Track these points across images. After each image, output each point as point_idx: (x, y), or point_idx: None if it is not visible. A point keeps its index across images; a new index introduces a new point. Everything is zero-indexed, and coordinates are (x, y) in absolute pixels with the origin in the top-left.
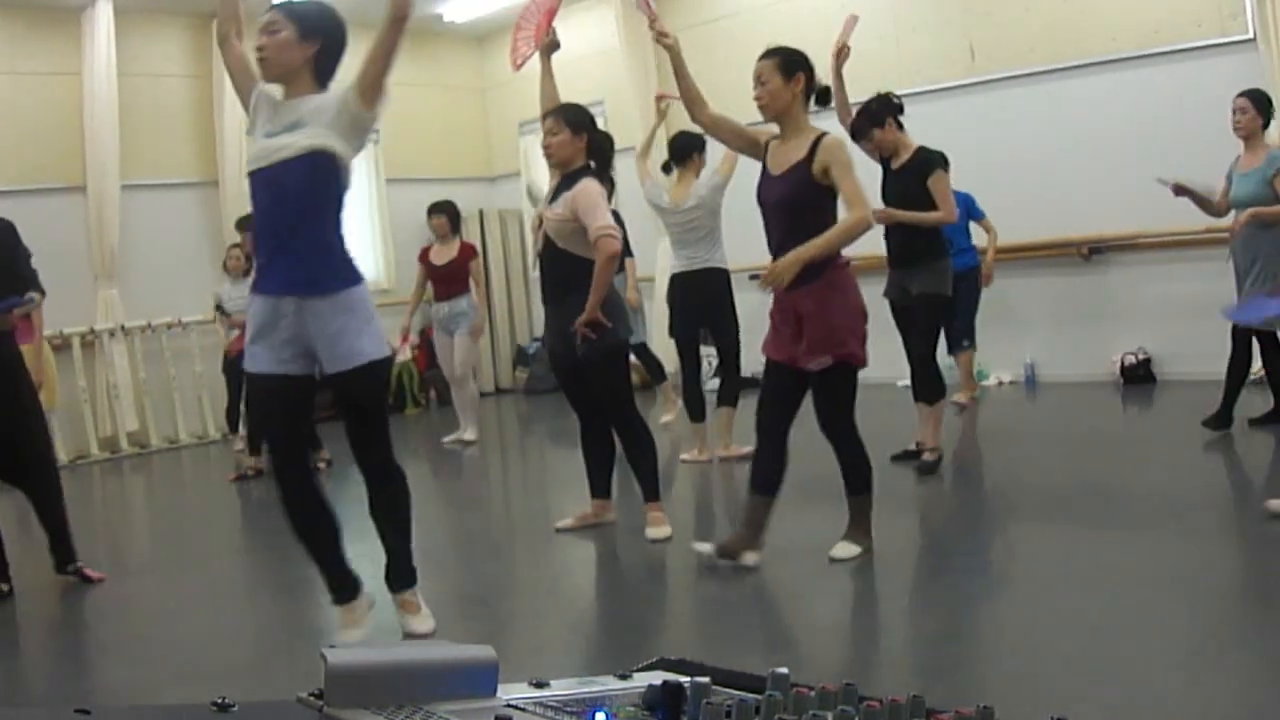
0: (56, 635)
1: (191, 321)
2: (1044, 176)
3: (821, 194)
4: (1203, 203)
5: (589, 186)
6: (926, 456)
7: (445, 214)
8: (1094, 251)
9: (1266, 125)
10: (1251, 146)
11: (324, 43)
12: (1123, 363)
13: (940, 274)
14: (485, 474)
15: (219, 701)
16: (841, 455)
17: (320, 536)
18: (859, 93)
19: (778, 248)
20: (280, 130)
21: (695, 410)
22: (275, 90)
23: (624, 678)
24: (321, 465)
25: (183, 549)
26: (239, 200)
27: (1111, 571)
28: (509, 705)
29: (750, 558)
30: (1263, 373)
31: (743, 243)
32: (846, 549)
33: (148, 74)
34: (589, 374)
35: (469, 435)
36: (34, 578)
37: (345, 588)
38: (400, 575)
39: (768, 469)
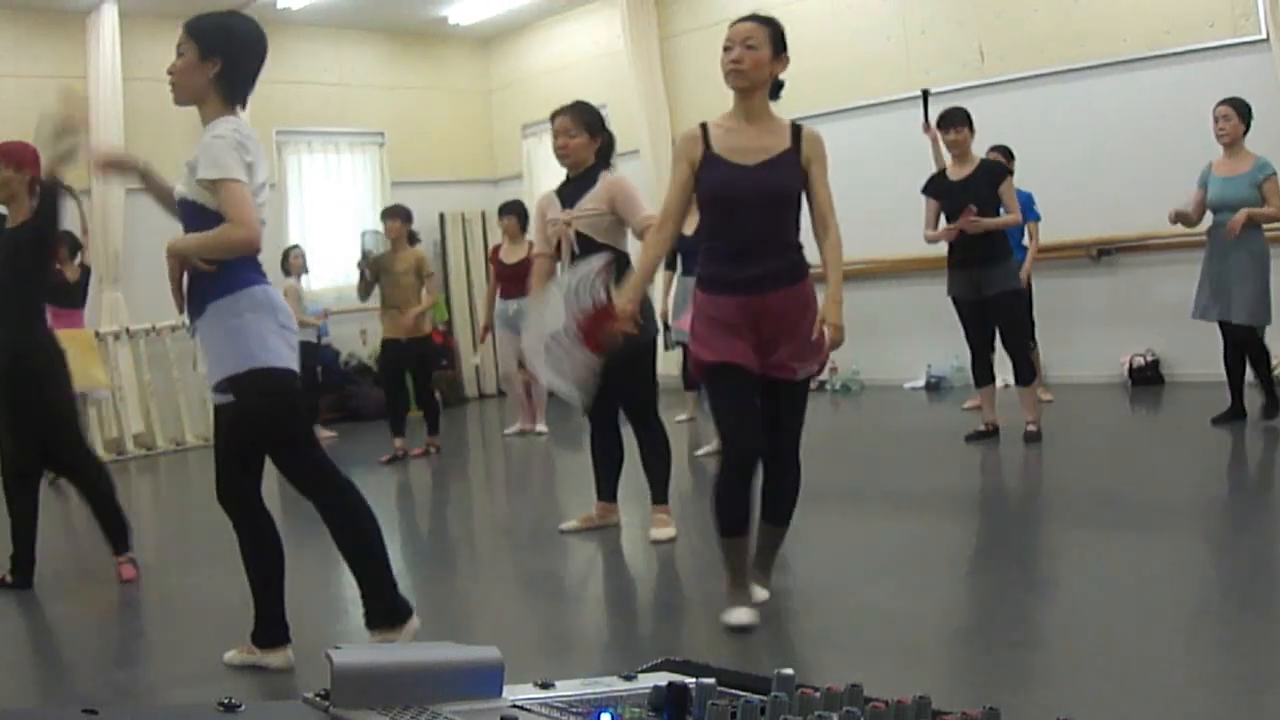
0: (64, 635)
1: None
2: (1054, 177)
3: (802, 187)
4: (1184, 217)
5: (624, 179)
6: (1030, 429)
7: (515, 215)
8: (1103, 253)
9: (1246, 132)
10: (1233, 152)
11: (225, 60)
12: (1131, 364)
13: (1011, 270)
14: (488, 475)
15: (225, 701)
16: (786, 478)
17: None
18: (869, 95)
19: (755, 248)
20: (186, 164)
21: None
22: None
23: (629, 679)
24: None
25: (188, 550)
26: None
27: (1119, 572)
28: (514, 706)
29: (759, 594)
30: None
31: None
32: (758, 593)
33: (152, 78)
34: (617, 371)
35: (541, 427)
36: (40, 578)
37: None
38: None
39: (742, 506)
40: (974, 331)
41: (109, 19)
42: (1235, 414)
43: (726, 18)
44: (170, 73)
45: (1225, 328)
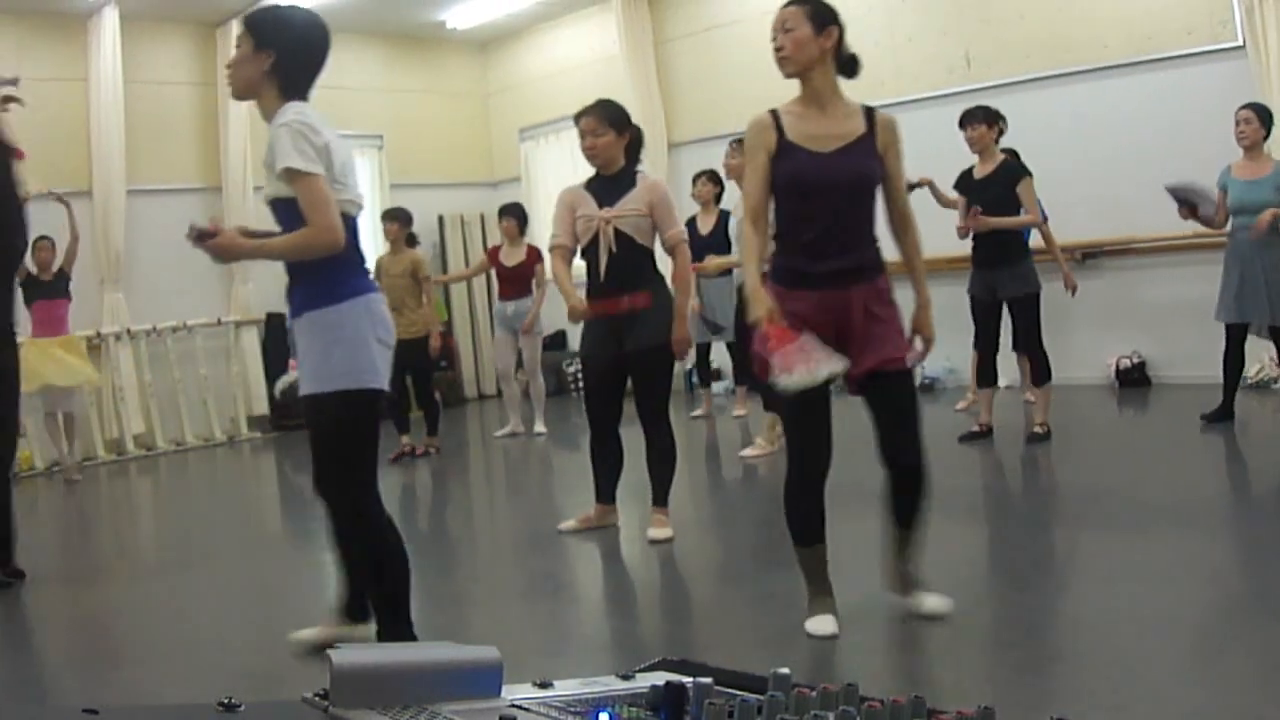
0: (64, 635)
1: (196, 324)
2: (1039, 182)
3: (879, 176)
4: (1205, 218)
5: (663, 185)
6: (1038, 430)
7: (514, 217)
8: (1088, 256)
9: (1267, 136)
10: (1253, 156)
11: (279, 52)
12: (1118, 366)
13: (1028, 273)
14: (488, 475)
15: (225, 701)
16: (918, 485)
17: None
18: (861, 100)
19: (836, 239)
20: (265, 163)
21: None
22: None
23: (627, 678)
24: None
25: (189, 550)
26: (242, 206)
27: (1112, 571)
28: (513, 705)
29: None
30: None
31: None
32: (939, 601)
33: (153, 81)
34: (638, 370)
35: (539, 428)
36: (41, 577)
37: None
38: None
39: (815, 517)
40: (984, 332)
41: (110, 22)
42: (1225, 414)
43: (720, 23)
44: (227, 66)
45: (1231, 329)
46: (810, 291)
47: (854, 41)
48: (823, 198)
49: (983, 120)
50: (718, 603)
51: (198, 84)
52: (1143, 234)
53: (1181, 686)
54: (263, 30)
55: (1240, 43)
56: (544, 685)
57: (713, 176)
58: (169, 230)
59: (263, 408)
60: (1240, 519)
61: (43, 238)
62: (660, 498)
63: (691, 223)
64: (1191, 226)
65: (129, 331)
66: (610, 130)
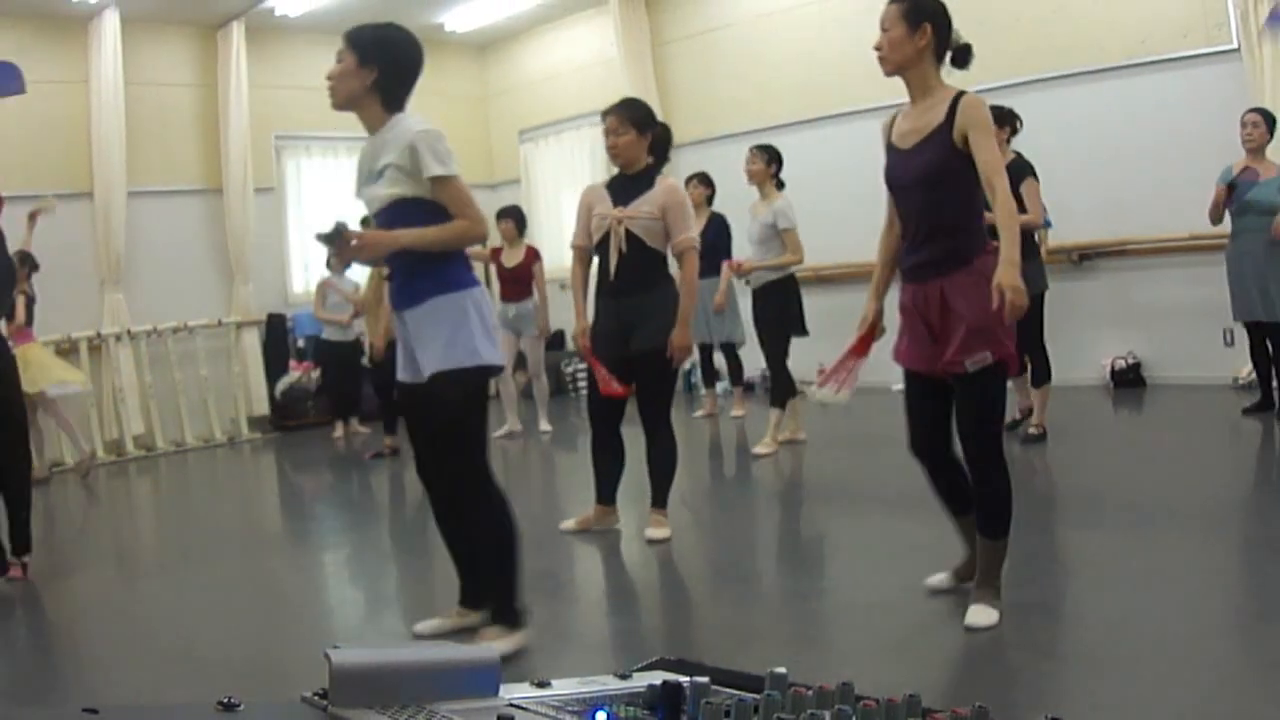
0: (65, 634)
1: (197, 325)
2: None
3: (964, 163)
4: (1215, 211)
5: (680, 189)
6: (1033, 431)
7: (511, 219)
8: (1084, 257)
9: (1270, 139)
10: (1257, 159)
11: (383, 68)
12: (1113, 366)
13: (1033, 272)
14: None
15: (225, 701)
16: (983, 485)
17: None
18: (854, 103)
19: (918, 233)
20: (369, 180)
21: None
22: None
23: (624, 678)
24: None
25: (189, 550)
26: (243, 207)
27: (1108, 571)
28: (511, 705)
29: None
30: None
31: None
32: (986, 614)
33: (154, 83)
34: (641, 371)
35: (544, 425)
36: (41, 577)
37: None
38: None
39: (945, 492)
40: None
41: (110, 24)
42: (1265, 405)
43: (717, 25)
44: (329, 78)
45: (1254, 326)
46: (907, 285)
47: (853, 41)
48: (903, 194)
49: (995, 120)
50: (715, 602)
51: (198, 86)
52: (1138, 235)
53: (1178, 686)
54: (367, 47)
55: (1235, 45)
56: (542, 684)
57: (704, 179)
58: (170, 232)
59: (263, 408)
60: (1238, 519)
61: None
62: (659, 499)
63: None
64: (1187, 228)
65: (129, 332)
66: (631, 130)
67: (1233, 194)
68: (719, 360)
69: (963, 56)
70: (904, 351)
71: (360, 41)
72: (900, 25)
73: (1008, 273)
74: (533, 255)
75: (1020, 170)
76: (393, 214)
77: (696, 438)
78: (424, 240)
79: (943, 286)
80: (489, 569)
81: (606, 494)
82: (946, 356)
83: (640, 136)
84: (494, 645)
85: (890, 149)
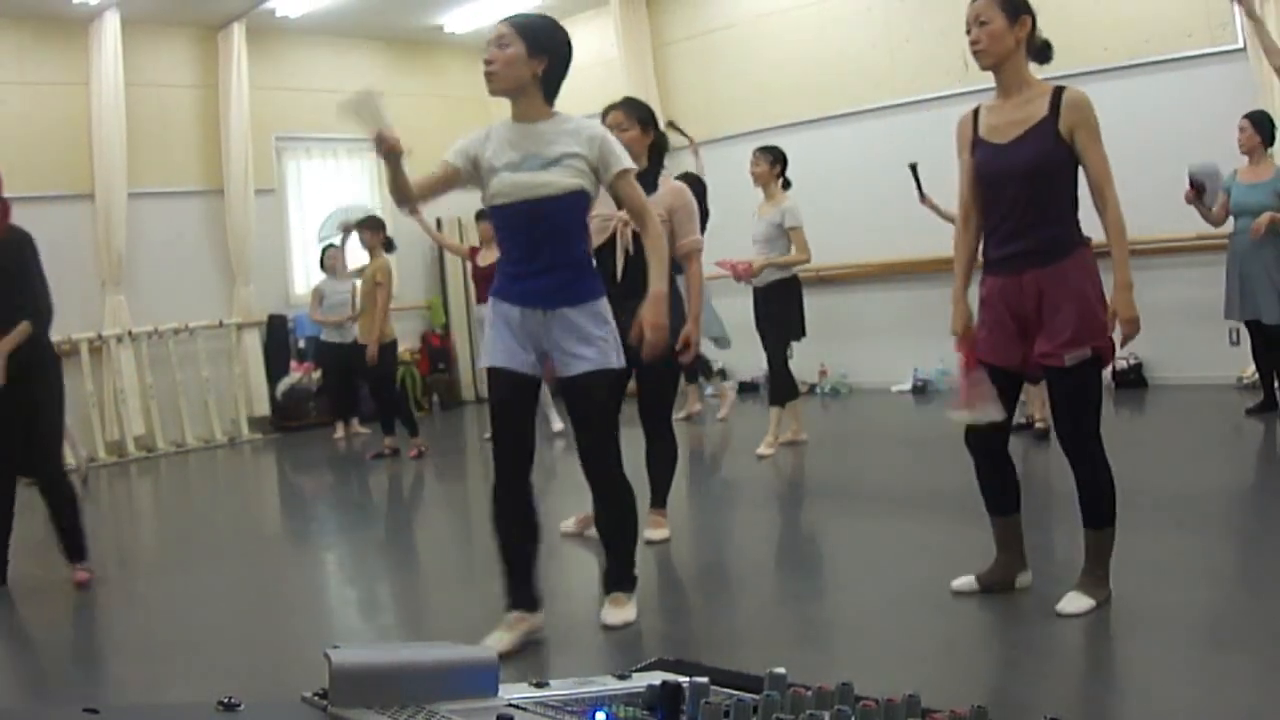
0: (65, 635)
1: (198, 326)
2: None
3: (1069, 157)
4: (1204, 213)
5: (687, 191)
6: (1038, 426)
7: (489, 220)
8: None
9: (1271, 142)
10: (1254, 161)
11: (551, 59)
12: (1114, 367)
13: None
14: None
15: (225, 701)
16: (1081, 475)
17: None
18: (854, 103)
19: (1012, 226)
20: (530, 166)
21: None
22: (502, 124)
23: (623, 678)
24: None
25: (189, 550)
26: (244, 209)
27: (1111, 571)
28: (510, 705)
29: (1024, 579)
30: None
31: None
32: (1078, 601)
33: (154, 84)
34: (644, 373)
35: (555, 425)
36: (42, 577)
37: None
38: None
39: (997, 488)
40: None
41: (111, 26)
42: (1268, 405)
43: (719, 26)
44: (490, 61)
45: (1254, 326)
46: (992, 277)
47: (852, 42)
48: (998, 186)
49: None
50: (714, 603)
51: (199, 87)
52: (1141, 236)
53: (1179, 686)
54: (539, 35)
55: (1240, 45)
56: (541, 685)
57: (686, 179)
58: (170, 233)
59: (264, 409)
60: (1240, 519)
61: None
62: (658, 499)
63: None
64: (1194, 229)
65: (130, 333)
66: (636, 125)
67: (1203, 196)
68: (711, 355)
69: (1044, 52)
70: (983, 343)
71: (531, 30)
72: (1000, 16)
73: (1122, 300)
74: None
75: None
76: (564, 204)
77: (692, 437)
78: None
79: (1039, 278)
80: (619, 542)
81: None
82: (1043, 349)
83: (643, 134)
84: (626, 611)
85: (981, 144)
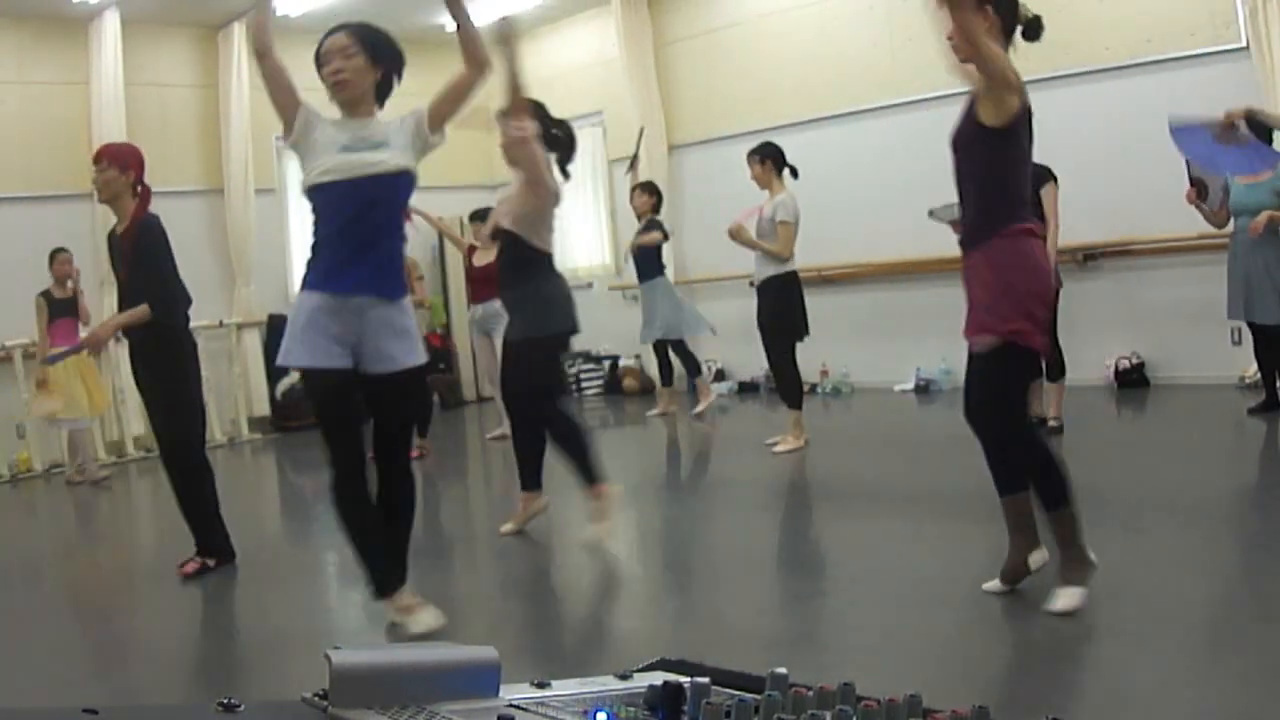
0: (64, 634)
1: (197, 326)
2: None
3: (982, 135)
4: (1206, 213)
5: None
6: (1052, 424)
7: (485, 220)
8: (1089, 257)
9: (1269, 141)
10: None
11: (388, 68)
12: (1116, 367)
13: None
14: (484, 476)
15: (225, 702)
16: (1014, 456)
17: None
18: (856, 102)
19: (964, 205)
20: (363, 147)
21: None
22: (323, 109)
23: (625, 678)
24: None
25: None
26: (244, 208)
27: (1109, 571)
28: (511, 705)
29: (1037, 557)
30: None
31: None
32: (1066, 596)
33: (155, 84)
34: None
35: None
36: (42, 578)
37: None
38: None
39: (1001, 468)
40: None
41: (111, 25)
42: (1270, 405)
43: (720, 25)
44: (339, 70)
45: (1254, 326)
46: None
47: (852, 41)
48: (954, 161)
49: None
50: (716, 602)
51: (199, 87)
52: (1143, 236)
53: (1180, 686)
54: (379, 47)
55: (1244, 44)
56: (542, 685)
57: (650, 188)
58: (170, 232)
59: (264, 409)
60: (1240, 518)
61: (61, 249)
62: (587, 477)
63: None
64: (1196, 228)
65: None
66: (363, 53)
67: (1205, 196)
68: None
69: (1034, 29)
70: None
71: (371, 41)
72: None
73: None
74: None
75: (1043, 175)
76: (396, 182)
77: (695, 435)
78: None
79: (969, 261)
80: (407, 533)
81: (533, 481)
82: (964, 330)
83: (373, 67)
84: (424, 615)
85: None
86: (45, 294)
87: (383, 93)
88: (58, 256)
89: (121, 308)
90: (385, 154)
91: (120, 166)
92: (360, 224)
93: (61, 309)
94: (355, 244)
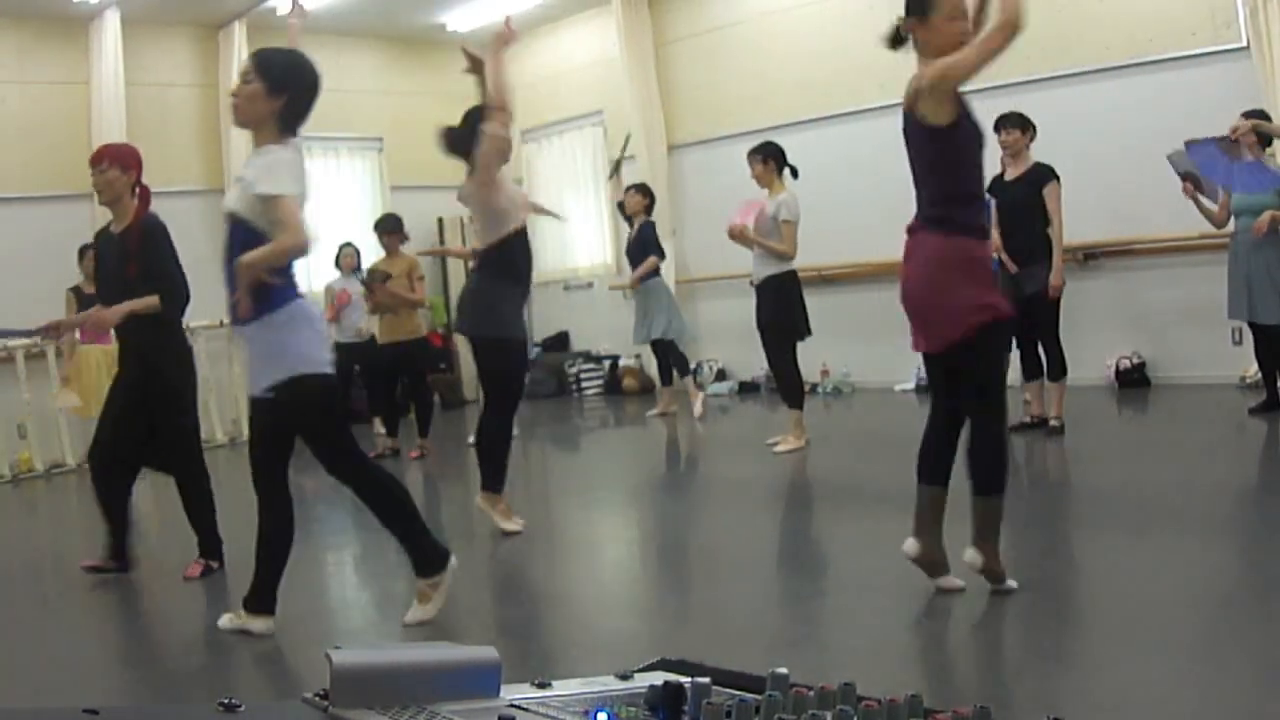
0: (65, 635)
1: (198, 326)
2: None
3: (925, 138)
4: (1206, 211)
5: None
6: (1053, 424)
7: None
8: (1090, 257)
9: (1269, 141)
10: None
11: (290, 96)
12: (1117, 366)
13: (1040, 274)
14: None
15: (226, 702)
16: (974, 444)
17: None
18: (858, 101)
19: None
20: (241, 179)
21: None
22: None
23: (625, 678)
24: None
25: (189, 550)
26: None
27: (1110, 570)
28: (512, 705)
29: (946, 581)
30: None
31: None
32: (974, 557)
33: (155, 83)
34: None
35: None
36: (42, 578)
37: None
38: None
39: (933, 456)
40: (1018, 328)
41: (112, 26)
42: (1271, 404)
43: (720, 24)
44: (234, 95)
45: (1255, 326)
46: None
47: (853, 41)
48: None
49: (1017, 125)
50: (716, 603)
51: (199, 86)
52: (1144, 235)
53: (1181, 686)
54: (277, 74)
55: (1244, 44)
56: (543, 685)
57: (643, 189)
58: (171, 232)
59: None
60: (1240, 518)
61: (91, 245)
62: (490, 483)
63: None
64: (1197, 228)
65: None
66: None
67: (1200, 188)
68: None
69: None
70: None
71: (271, 68)
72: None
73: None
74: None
75: (1045, 175)
76: (236, 224)
77: (690, 437)
78: (256, 259)
79: (909, 248)
80: (398, 530)
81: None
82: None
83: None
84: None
85: None
86: (75, 289)
87: (289, 121)
88: (87, 253)
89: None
90: (232, 192)
91: (122, 167)
92: (226, 255)
93: (91, 304)
94: (227, 275)
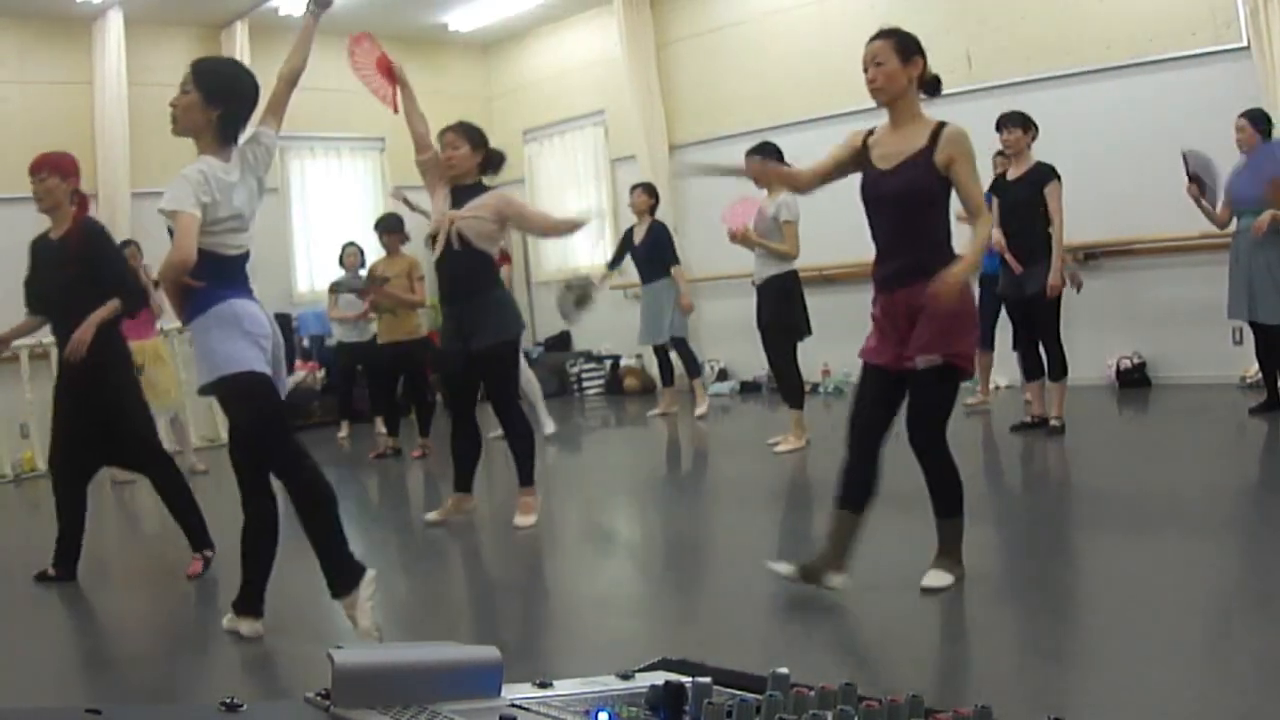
0: (67, 636)
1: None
2: None
3: (941, 188)
4: (1207, 211)
5: (513, 194)
6: (1054, 424)
7: None
8: (1090, 256)
9: (1268, 138)
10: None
11: (227, 107)
12: (1118, 366)
13: (1039, 274)
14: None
15: (228, 701)
16: (930, 472)
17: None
18: (859, 101)
19: (888, 247)
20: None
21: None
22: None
23: (626, 678)
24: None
25: (189, 551)
26: None
27: (1110, 571)
28: (513, 705)
29: (836, 580)
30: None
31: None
32: (938, 578)
33: (158, 83)
34: (482, 366)
35: (548, 428)
36: (43, 577)
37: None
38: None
39: (857, 483)
40: (1019, 328)
41: (114, 25)
42: (1272, 404)
43: (722, 24)
44: (173, 105)
45: (1256, 326)
46: (878, 294)
47: (854, 41)
48: (877, 209)
49: (1019, 125)
50: (717, 603)
51: None
52: (1145, 235)
53: (1181, 687)
54: (213, 85)
55: (1245, 43)
56: (544, 685)
57: (648, 188)
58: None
59: None
60: (1240, 518)
61: (128, 243)
62: (525, 478)
63: (629, 233)
64: (1198, 228)
65: None
66: (466, 144)
67: (1204, 190)
68: (723, 359)
69: (935, 87)
70: (870, 349)
71: (207, 78)
72: (894, 58)
73: (954, 271)
74: (504, 258)
75: (1046, 174)
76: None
77: (691, 436)
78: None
79: (908, 295)
80: (320, 539)
81: (463, 482)
82: (905, 352)
83: (473, 152)
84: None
85: (869, 168)
86: None
87: (226, 131)
88: (126, 250)
89: (56, 311)
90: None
91: (61, 175)
92: None
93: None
94: None
